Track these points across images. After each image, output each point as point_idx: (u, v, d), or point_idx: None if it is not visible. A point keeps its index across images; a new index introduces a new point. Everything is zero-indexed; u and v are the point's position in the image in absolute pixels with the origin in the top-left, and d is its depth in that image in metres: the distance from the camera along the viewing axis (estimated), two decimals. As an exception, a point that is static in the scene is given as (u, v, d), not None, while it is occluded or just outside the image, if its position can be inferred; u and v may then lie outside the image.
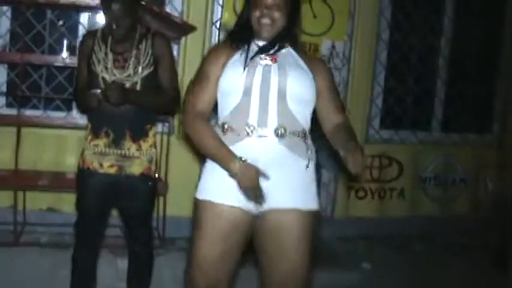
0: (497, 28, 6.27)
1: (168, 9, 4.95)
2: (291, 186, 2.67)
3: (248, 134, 2.63)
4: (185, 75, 4.98)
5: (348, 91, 5.48)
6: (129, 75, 3.19)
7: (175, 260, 4.72)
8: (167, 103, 3.34)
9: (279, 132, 2.62)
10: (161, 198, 4.78)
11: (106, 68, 3.21)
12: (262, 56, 2.71)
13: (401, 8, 5.76)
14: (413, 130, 5.89)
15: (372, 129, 5.70)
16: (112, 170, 3.27)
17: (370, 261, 5.11)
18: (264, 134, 2.63)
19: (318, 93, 2.73)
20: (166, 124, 4.89)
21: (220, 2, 4.99)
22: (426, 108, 6.01)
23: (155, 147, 3.40)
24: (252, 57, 2.69)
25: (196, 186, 2.89)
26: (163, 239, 4.82)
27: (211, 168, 2.77)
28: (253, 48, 2.73)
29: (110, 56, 3.22)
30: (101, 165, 3.27)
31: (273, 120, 2.63)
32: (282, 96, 2.65)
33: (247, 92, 2.63)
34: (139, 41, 3.24)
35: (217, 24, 5.01)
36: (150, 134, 3.35)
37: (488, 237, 5.69)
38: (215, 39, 5.01)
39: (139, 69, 3.20)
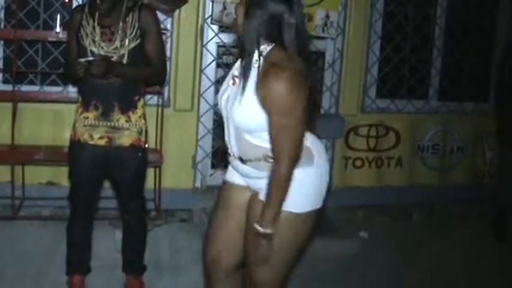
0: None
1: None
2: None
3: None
4: (180, 49, 5.07)
5: (343, 60, 5.52)
6: (116, 48, 3.27)
7: (173, 231, 4.90)
8: (153, 75, 3.44)
9: (242, 159, 2.65)
10: (157, 170, 4.87)
11: (94, 41, 3.29)
12: (236, 71, 2.66)
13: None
14: (409, 99, 5.90)
15: (368, 98, 5.72)
16: (102, 142, 3.37)
17: (368, 231, 5.19)
18: (233, 157, 2.71)
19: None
20: (162, 97, 4.95)
21: (214, -26, 5.00)
22: (423, 78, 6.01)
23: (145, 118, 3.48)
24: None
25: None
26: (160, 211, 4.90)
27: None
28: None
29: (98, 29, 3.29)
30: (91, 137, 3.36)
31: (235, 149, 2.67)
32: (236, 126, 2.59)
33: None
34: (126, 14, 3.31)
35: (211, -3, 5.02)
36: (139, 105, 3.43)
37: (487, 206, 5.74)
38: (208, 12, 5.05)
39: (126, 41, 3.28)
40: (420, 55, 5.97)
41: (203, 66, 5.15)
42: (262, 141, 2.55)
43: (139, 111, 3.43)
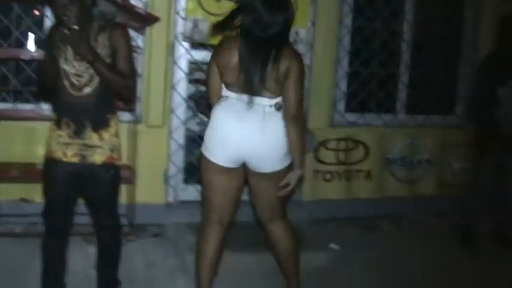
0: (458, 11, 6.46)
1: (132, 1, 5.10)
2: None
3: None
4: (151, 65, 5.20)
5: (312, 76, 5.66)
6: (88, 67, 3.38)
7: (147, 246, 4.96)
8: (123, 86, 3.46)
9: None
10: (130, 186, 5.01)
11: (66, 60, 3.41)
12: None
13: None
14: (378, 113, 6.09)
15: (337, 112, 5.89)
16: (75, 159, 3.49)
17: (339, 242, 5.28)
18: None
19: None
20: (134, 113, 5.12)
21: (185, -8, 5.16)
22: (390, 92, 6.19)
23: (117, 136, 3.60)
24: None
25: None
26: (133, 226, 5.03)
27: None
28: None
29: (70, 49, 3.38)
30: (65, 154, 3.48)
31: None
32: None
33: None
34: (98, 33, 3.43)
35: (182, 14, 5.19)
36: (112, 123, 3.55)
37: (455, 216, 5.96)
38: (179, 29, 5.22)
39: None
40: (388, 69, 6.16)
41: (174, 82, 5.31)
42: None
43: (112, 129, 3.55)
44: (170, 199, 5.43)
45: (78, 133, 3.47)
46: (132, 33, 4.99)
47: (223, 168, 3.68)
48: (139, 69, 5.14)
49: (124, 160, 4.78)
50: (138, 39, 5.17)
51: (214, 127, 3.65)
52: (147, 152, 5.25)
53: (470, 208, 5.73)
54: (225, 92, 3.65)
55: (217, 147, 3.64)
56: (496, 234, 5.78)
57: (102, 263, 3.85)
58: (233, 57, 3.54)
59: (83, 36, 3.27)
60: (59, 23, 3.38)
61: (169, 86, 5.30)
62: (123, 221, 4.78)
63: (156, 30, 5.16)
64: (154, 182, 5.33)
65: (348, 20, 5.82)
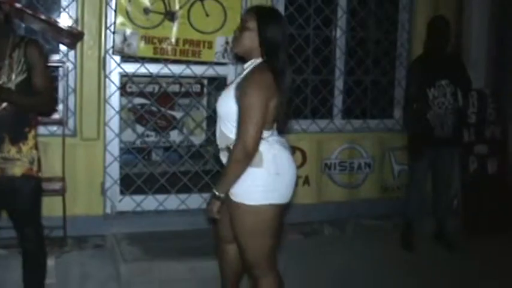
0: (392, 16, 6.71)
1: (63, 17, 5.34)
2: None
3: None
4: (84, 80, 5.41)
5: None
6: (4, 83, 3.58)
7: (84, 257, 5.12)
8: (40, 105, 3.74)
9: (219, 147, 3.63)
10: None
11: None
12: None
13: (294, 1, 6.15)
14: (313, 119, 6.31)
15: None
16: None
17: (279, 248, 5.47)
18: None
19: None
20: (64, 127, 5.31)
21: (113, 7, 5.37)
22: (326, 98, 6.41)
23: (37, 148, 3.80)
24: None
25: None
26: (65, 237, 5.21)
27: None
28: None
29: None
30: None
31: (218, 140, 3.63)
32: (218, 115, 3.62)
33: None
34: (13, 50, 3.64)
35: (111, 28, 5.39)
36: (30, 136, 3.76)
37: (397, 218, 6.20)
38: (110, 43, 5.42)
39: (13, 76, 3.61)
40: (322, 76, 6.37)
41: (107, 95, 5.51)
42: (227, 130, 3.49)
43: (30, 142, 3.75)
44: (108, 210, 5.62)
45: None
46: (64, 48, 5.27)
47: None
48: (72, 84, 5.38)
49: (59, 173, 5.05)
50: (69, 55, 5.41)
51: (281, 167, 3.48)
52: (83, 164, 5.49)
53: (407, 209, 6.00)
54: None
55: (289, 184, 3.56)
56: (436, 234, 6.05)
57: (27, 274, 4.02)
58: (274, 95, 3.44)
59: None
60: None
61: (103, 100, 5.50)
62: (59, 233, 5.03)
63: (87, 45, 5.38)
64: (91, 194, 5.53)
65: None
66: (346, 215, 6.37)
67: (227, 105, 3.47)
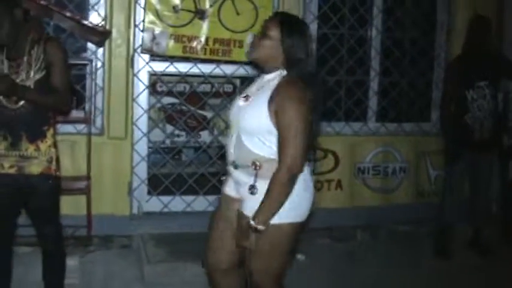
0: (430, 16, 6.59)
1: (92, 15, 5.36)
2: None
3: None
4: (112, 78, 5.41)
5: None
6: (22, 80, 3.58)
7: (109, 257, 5.14)
8: (57, 104, 3.71)
9: (236, 164, 3.32)
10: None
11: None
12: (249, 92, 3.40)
13: (328, 0, 6.06)
14: (347, 121, 6.21)
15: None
16: (12, 171, 3.67)
17: (306, 253, 5.35)
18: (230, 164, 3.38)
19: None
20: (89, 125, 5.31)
21: (142, 5, 5.36)
22: (360, 99, 6.31)
23: (55, 147, 3.78)
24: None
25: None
26: (90, 237, 5.22)
27: None
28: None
29: (6, 62, 3.62)
30: (2, 166, 3.67)
31: (232, 155, 3.35)
32: (239, 129, 3.28)
33: None
34: (31, 47, 3.63)
35: (140, 27, 5.38)
36: (48, 135, 3.74)
37: (431, 224, 6.03)
38: (139, 42, 5.41)
39: (32, 73, 3.60)
40: (357, 77, 6.27)
41: (135, 94, 5.50)
42: (255, 146, 3.23)
43: (49, 141, 3.74)
44: (134, 211, 5.61)
45: (14, 145, 3.66)
46: (92, 46, 5.28)
47: None
48: (100, 83, 5.38)
49: (84, 172, 5.04)
50: (98, 53, 5.40)
51: (309, 183, 3.35)
52: (110, 163, 5.48)
53: (442, 215, 5.84)
54: None
55: (311, 200, 3.41)
56: (473, 241, 5.89)
57: (47, 272, 4.02)
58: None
59: (6, 80, 3.47)
60: None
61: (131, 98, 5.49)
62: (82, 232, 5.02)
63: (115, 43, 5.39)
64: (118, 194, 5.52)
65: (313, 27, 5.88)
66: (379, 220, 6.26)
67: (259, 121, 3.19)
